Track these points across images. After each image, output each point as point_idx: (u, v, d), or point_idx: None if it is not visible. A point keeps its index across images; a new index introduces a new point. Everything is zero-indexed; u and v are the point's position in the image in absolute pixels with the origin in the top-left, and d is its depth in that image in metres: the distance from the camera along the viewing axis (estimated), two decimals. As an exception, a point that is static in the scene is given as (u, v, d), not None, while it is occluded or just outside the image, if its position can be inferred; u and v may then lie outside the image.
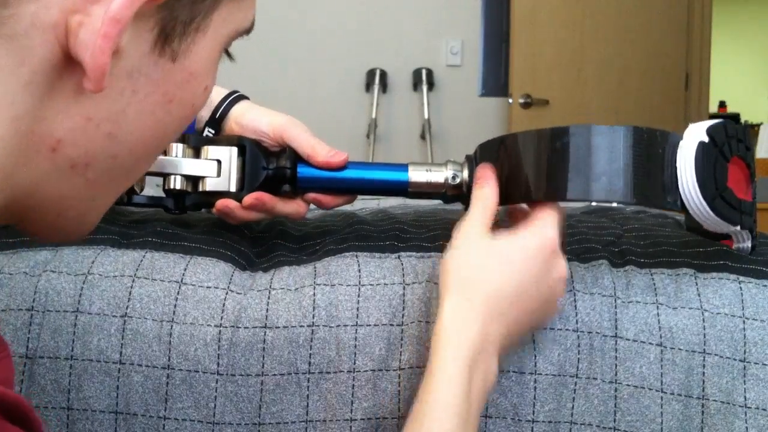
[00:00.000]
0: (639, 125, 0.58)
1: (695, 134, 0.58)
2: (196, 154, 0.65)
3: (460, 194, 0.66)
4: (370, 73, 3.20)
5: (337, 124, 3.11)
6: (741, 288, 0.62)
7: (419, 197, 0.69)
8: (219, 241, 0.65)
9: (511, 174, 0.59)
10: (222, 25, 0.38)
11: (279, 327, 0.59)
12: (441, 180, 0.66)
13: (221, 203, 0.64)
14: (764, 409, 0.59)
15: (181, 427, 0.57)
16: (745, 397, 0.59)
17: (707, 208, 0.57)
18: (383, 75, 3.21)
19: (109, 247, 0.63)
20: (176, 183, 0.64)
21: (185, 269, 0.61)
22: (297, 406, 0.58)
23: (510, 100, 3.10)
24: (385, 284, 0.61)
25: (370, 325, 0.59)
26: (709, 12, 3.31)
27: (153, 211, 0.71)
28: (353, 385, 0.58)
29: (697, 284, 0.62)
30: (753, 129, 3.64)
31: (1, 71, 0.32)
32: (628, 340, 0.60)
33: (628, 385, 0.59)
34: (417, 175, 0.67)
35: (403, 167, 0.67)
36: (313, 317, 0.59)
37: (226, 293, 0.60)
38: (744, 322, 0.60)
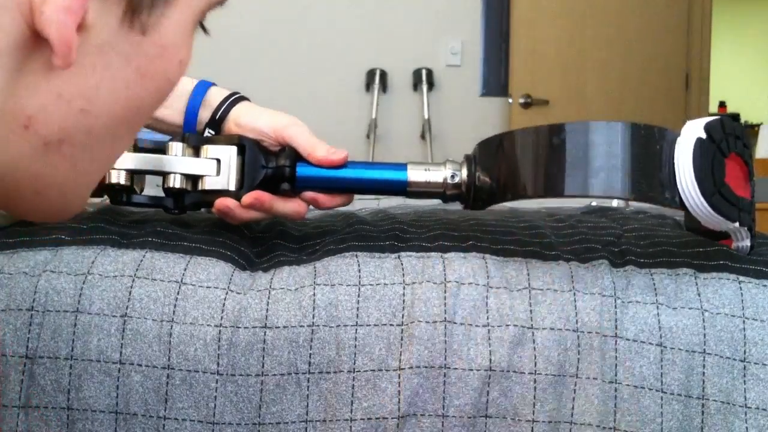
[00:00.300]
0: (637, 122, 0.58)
1: (693, 131, 0.58)
2: (196, 154, 0.65)
3: (459, 194, 0.66)
4: (370, 73, 3.20)
5: (337, 124, 3.11)
6: (741, 288, 0.62)
7: (418, 197, 0.69)
8: (219, 241, 0.65)
9: (510, 171, 0.59)
10: None
11: (279, 327, 0.59)
12: (440, 179, 0.66)
13: (220, 202, 0.64)
14: (764, 410, 0.58)
15: (181, 427, 0.57)
16: (745, 398, 0.59)
17: (705, 205, 0.57)
18: (383, 75, 3.21)
19: (109, 247, 0.63)
20: (176, 182, 0.65)
21: (185, 269, 0.61)
22: (297, 406, 0.58)
23: (510, 100, 3.10)
24: (385, 284, 0.61)
25: (370, 325, 0.59)
26: (709, 12, 3.31)
27: (153, 211, 0.71)
28: (353, 385, 0.58)
29: (697, 284, 0.62)
30: (753, 129, 3.64)
31: None
32: (628, 340, 0.59)
33: (628, 385, 0.59)
34: (416, 174, 0.67)
35: (402, 166, 0.67)
36: (313, 317, 0.59)
37: (226, 293, 0.60)
38: (744, 322, 0.60)
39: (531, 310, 0.60)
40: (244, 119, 0.69)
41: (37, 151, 0.36)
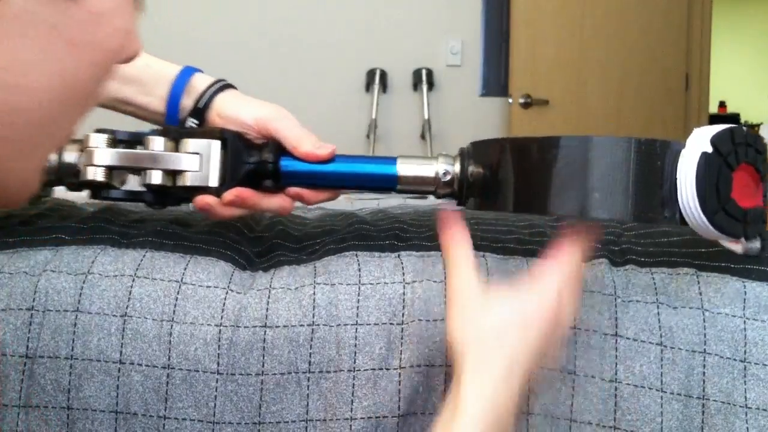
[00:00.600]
0: (638, 136, 0.55)
1: (698, 143, 0.56)
2: (177, 147, 0.62)
3: (451, 191, 0.63)
4: (370, 73, 3.20)
5: (337, 124, 3.11)
6: (742, 288, 0.62)
7: (409, 193, 0.65)
8: (219, 241, 0.65)
9: (501, 182, 0.58)
10: None
11: (279, 326, 0.59)
12: (431, 174, 0.63)
13: (200, 200, 0.61)
14: (765, 410, 0.58)
15: (181, 427, 0.57)
16: (745, 398, 0.59)
17: (707, 223, 0.55)
18: (383, 75, 3.21)
19: (109, 246, 0.63)
20: (156, 178, 0.61)
21: (185, 269, 0.61)
22: (297, 406, 0.58)
23: (510, 100, 3.10)
24: (385, 283, 0.61)
25: (370, 324, 0.59)
26: (709, 12, 3.31)
27: (153, 210, 0.70)
28: (353, 384, 0.58)
29: (698, 284, 0.62)
30: (753, 129, 3.64)
31: None
32: (628, 339, 0.60)
33: (628, 384, 0.59)
34: (406, 168, 0.63)
35: (392, 160, 0.64)
36: (313, 316, 0.59)
37: (226, 293, 0.60)
38: (745, 322, 0.60)
39: (531, 310, 0.60)
40: (227, 110, 0.66)
41: None
